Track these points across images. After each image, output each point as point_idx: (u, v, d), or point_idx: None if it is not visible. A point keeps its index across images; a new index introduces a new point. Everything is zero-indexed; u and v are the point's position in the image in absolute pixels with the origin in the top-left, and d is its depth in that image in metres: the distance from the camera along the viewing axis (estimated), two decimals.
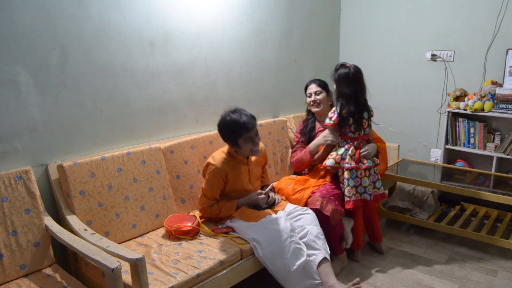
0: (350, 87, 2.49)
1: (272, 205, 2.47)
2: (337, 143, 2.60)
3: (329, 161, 2.58)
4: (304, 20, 3.58)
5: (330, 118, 2.57)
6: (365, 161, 2.54)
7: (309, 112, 3.03)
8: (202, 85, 2.81)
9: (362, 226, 2.81)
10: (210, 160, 2.36)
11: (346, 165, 2.52)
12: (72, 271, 2.12)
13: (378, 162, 2.65)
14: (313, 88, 2.88)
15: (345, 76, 2.50)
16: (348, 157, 2.52)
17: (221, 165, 2.31)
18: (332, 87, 2.63)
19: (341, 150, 2.56)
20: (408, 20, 3.60)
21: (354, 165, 2.52)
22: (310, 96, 2.89)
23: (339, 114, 2.52)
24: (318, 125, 2.95)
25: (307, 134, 2.95)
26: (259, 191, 2.47)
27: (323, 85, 2.91)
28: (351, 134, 2.56)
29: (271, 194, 2.52)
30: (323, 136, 2.73)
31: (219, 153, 2.39)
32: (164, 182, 2.42)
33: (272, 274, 2.18)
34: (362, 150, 2.55)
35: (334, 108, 2.58)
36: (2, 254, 1.83)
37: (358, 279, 2.27)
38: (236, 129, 2.25)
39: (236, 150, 2.36)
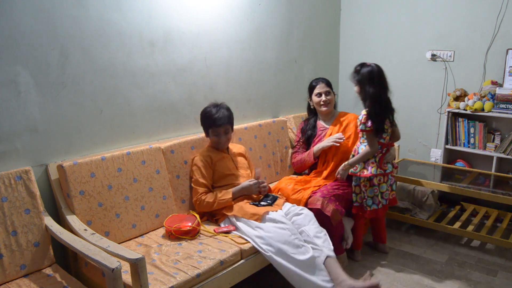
0: (376, 86, 2.39)
1: (272, 201, 2.47)
2: (376, 151, 2.48)
3: (373, 169, 2.48)
4: (304, 20, 3.58)
5: (364, 124, 2.43)
6: (386, 167, 2.51)
7: (310, 111, 3.03)
8: (202, 85, 2.81)
9: (364, 227, 2.82)
10: (195, 156, 2.56)
11: (369, 172, 2.48)
12: (72, 271, 2.12)
13: (397, 165, 2.61)
14: (323, 87, 2.87)
15: (370, 75, 2.40)
16: (374, 164, 2.48)
17: (204, 153, 2.53)
18: (354, 89, 2.53)
19: (374, 157, 2.50)
20: (408, 20, 3.60)
21: (378, 172, 2.48)
22: (319, 96, 2.87)
23: (372, 118, 2.41)
24: (320, 124, 2.95)
25: (307, 133, 2.96)
26: (251, 179, 2.53)
27: (330, 85, 2.93)
28: (381, 140, 2.48)
29: (261, 179, 2.56)
30: (329, 140, 2.72)
31: (201, 149, 2.61)
32: (164, 182, 2.42)
33: (281, 272, 2.16)
34: (387, 154, 2.51)
35: (364, 112, 2.45)
36: (2, 254, 1.83)
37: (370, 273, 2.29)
38: (209, 120, 2.49)
39: (209, 139, 2.57)
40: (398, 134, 2.62)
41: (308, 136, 2.96)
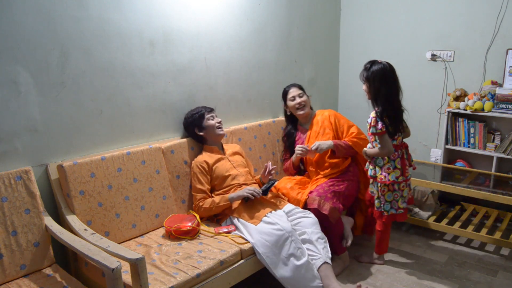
0: (387, 85, 2.28)
1: (267, 189, 2.45)
2: (390, 154, 2.35)
3: (391, 176, 2.37)
4: (304, 20, 3.57)
5: (375, 127, 2.30)
6: (408, 173, 2.44)
7: (288, 118, 3.02)
8: (202, 85, 2.81)
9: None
10: (192, 162, 2.56)
11: (387, 180, 2.38)
12: (72, 271, 2.12)
13: (415, 166, 2.55)
14: (295, 91, 2.88)
15: (382, 73, 2.27)
16: (397, 170, 2.38)
17: (200, 159, 2.53)
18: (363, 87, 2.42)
19: (392, 162, 2.39)
20: (408, 20, 3.60)
21: (401, 180, 2.39)
22: (293, 100, 2.86)
23: (382, 120, 2.28)
24: (300, 128, 2.96)
25: (288, 142, 2.98)
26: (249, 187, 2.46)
27: (302, 88, 2.94)
28: (394, 141, 2.37)
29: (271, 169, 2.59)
30: (295, 153, 2.74)
31: (197, 156, 2.60)
32: (164, 182, 2.42)
33: (273, 275, 2.17)
34: (411, 158, 2.47)
35: (373, 114, 2.33)
36: (2, 254, 1.84)
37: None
38: (199, 112, 2.57)
39: (206, 139, 2.59)
40: (408, 131, 2.54)
41: (288, 144, 2.98)
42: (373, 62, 2.33)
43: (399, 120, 2.37)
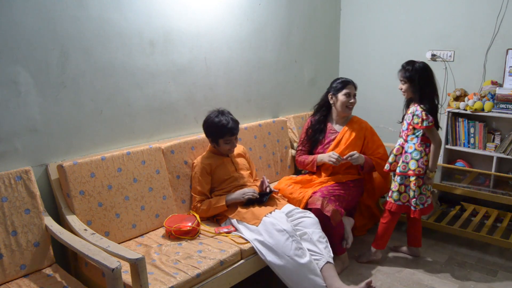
0: (431, 83, 2.39)
1: (265, 195, 2.45)
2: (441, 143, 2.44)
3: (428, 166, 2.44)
4: (304, 20, 3.58)
5: (427, 120, 2.36)
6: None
7: (322, 107, 2.90)
8: (202, 85, 2.81)
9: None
10: (194, 161, 2.56)
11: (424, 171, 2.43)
12: (72, 271, 2.12)
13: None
14: (353, 89, 2.78)
15: (425, 71, 2.39)
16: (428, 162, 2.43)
17: (204, 161, 2.51)
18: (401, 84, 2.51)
19: (426, 156, 2.44)
20: (408, 20, 3.60)
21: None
22: (348, 96, 2.75)
23: (431, 114, 2.37)
24: (330, 126, 2.88)
25: (313, 135, 2.88)
26: (246, 190, 2.45)
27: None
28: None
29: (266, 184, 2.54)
30: (328, 156, 2.68)
31: (201, 155, 2.59)
32: (164, 182, 2.42)
33: (277, 274, 2.17)
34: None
35: (418, 108, 2.39)
36: (2, 254, 1.84)
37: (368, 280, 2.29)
38: (222, 131, 2.44)
39: (215, 146, 2.54)
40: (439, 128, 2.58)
41: (313, 140, 2.88)
42: (413, 62, 2.43)
43: (437, 116, 2.44)
